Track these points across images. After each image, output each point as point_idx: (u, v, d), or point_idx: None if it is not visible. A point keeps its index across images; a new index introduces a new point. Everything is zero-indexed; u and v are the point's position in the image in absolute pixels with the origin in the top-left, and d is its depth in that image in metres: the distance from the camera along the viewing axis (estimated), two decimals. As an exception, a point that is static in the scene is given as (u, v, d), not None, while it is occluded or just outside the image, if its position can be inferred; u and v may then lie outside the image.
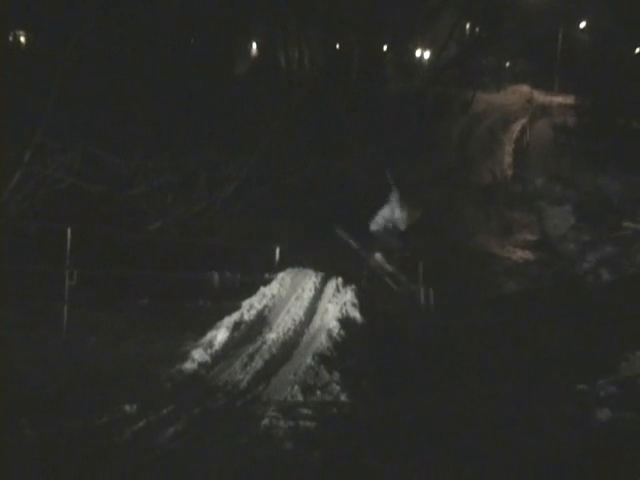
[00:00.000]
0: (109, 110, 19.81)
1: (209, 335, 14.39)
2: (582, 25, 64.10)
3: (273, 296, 16.03)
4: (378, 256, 22.49)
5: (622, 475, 9.84)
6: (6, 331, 13.80)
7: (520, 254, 27.63)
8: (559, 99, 57.53)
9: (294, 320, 15.00)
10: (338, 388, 11.97)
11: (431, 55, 59.97)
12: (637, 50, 51.54)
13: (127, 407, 10.97)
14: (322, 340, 13.89)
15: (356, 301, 15.55)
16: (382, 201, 28.75)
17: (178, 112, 23.74)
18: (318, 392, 11.87)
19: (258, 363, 13.20)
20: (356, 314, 15.10)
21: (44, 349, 13.34)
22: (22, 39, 30.12)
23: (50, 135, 17.38)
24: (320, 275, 16.84)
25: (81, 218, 16.08)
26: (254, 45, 48.48)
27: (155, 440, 10.15)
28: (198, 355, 13.34)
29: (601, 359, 15.53)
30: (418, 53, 62.06)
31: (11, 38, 28.92)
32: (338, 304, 15.48)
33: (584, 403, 13.16)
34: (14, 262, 15.17)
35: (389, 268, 21.21)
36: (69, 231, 15.13)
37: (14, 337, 13.60)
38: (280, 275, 16.82)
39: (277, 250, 17.63)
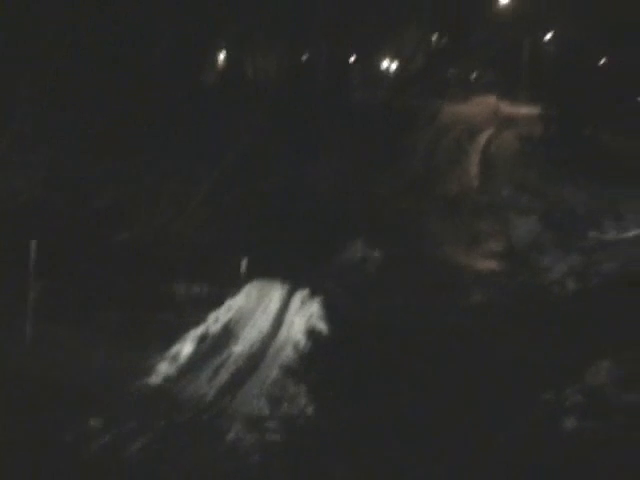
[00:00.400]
0: (75, 120, 19.67)
1: (175, 348, 14.31)
2: (548, 36, 64.55)
3: (239, 308, 15.95)
4: (345, 267, 22.44)
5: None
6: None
7: (486, 264, 27.66)
8: (525, 109, 57.76)
9: (260, 332, 14.95)
10: (305, 400, 11.95)
11: (398, 66, 60.11)
12: (602, 60, 51.93)
13: (92, 421, 10.89)
14: (288, 352, 13.87)
15: (322, 313, 15.52)
16: (349, 210, 28.75)
17: (147, 122, 23.61)
18: (285, 405, 11.85)
19: (224, 376, 13.15)
20: (322, 326, 15.07)
21: (7, 362, 13.22)
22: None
23: (14, 147, 17.28)
24: (287, 287, 16.79)
25: (47, 229, 15.96)
26: (221, 55, 48.39)
27: (120, 454, 10.09)
28: (164, 368, 13.27)
29: (567, 368, 15.58)
30: (385, 64, 62.21)
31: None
32: (304, 316, 15.44)
33: (550, 412, 13.21)
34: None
35: (356, 279, 21.16)
36: (34, 243, 15.03)
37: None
38: (246, 287, 16.77)
39: (244, 261, 17.55)
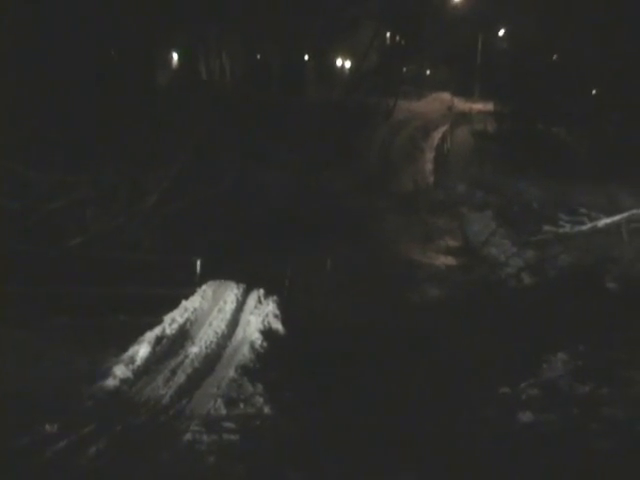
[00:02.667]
0: (26, 123, 19.49)
1: (131, 350, 14.24)
2: (501, 33, 65.02)
3: (195, 309, 15.94)
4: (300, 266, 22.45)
5: (544, 476, 9.98)
6: None
7: (442, 260, 27.81)
8: (479, 106, 58.25)
9: (216, 333, 14.95)
10: (261, 400, 11.96)
11: (352, 64, 60.25)
12: (554, 57, 52.37)
13: (47, 426, 10.81)
14: (245, 352, 13.89)
15: (278, 312, 15.57)
16: (304, 210, 28.78)
17: (97, 124, 23.44)
18: (241, 405, 11.84)
19: (181, 377, 13.13)
20: (278, 325, 15.12)
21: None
22: None
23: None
24: (242, 287, 16.81)
25: (-1, 234, 15.85)
26: (175, 55, 48.17)
27: (77, 459, 10.02)
28: (120, 371, 13.20)
29: (523, 362, 15.70)
30: (339, 62, 62.33)
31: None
32: (260, 316, 15.49)
33: (507, 406, 13.31)
34: None
35: (312, 278, 21.18)
36: (-16, 248, 14.95)
37: None
38: (202, 288, 16.75)
39: (198, 263, 17.52)
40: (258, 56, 49.13)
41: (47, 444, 10.34)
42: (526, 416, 12.62)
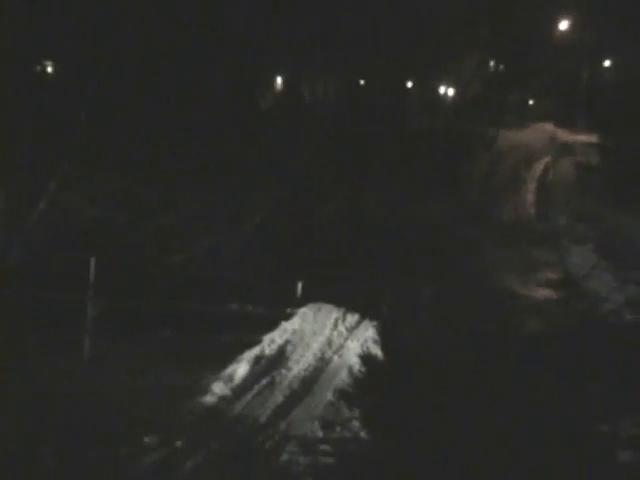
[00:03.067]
0: (136, 142, 19.93)
1: (230, 369, 14.37)
2: (607, 63, 64.13)
3: (294, 331, 15.97)
4: (401, 293, 22.37)
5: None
6: (28, 361, 13.88)
7: (542, 292, 27.47)
8: (583, 137, 57.45)
9: (315, 355, 14.96)
10: (358, 425, 11.94)
11: (455, 92, 60.10)
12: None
13: (147, 439, 10.98)
14: (343, 376, 13.86)
15: (377, 337, 15.49)
16: (406, 240, 28.74)
17: (204, 146, 23.86)
18: (338, 428, 11.83)
19: (278, 398, 13.18)
20: (377, 351, 15.05)
21: (65, 379, 13.40)
22: (49, 69, 30.40)
23: (76, 165, 17.56)
24: (342, 311, 16.80)
25: (105, 248, 16.16)
26: (279, 79, 48.68)
27: (174, 472, 10.16)
28: (218, 389, 13.34)
29: (622, 401, 15.42)
30: (442, 89, 62.22)
31: (39, 68, 29.25)
32: (359, 340, 15.44)
33: (606, 444, 13.09)
34: (37, 291, 15.27)
35: (411, 306, 21.11)
36: (92, 261, 15.24)
37: (36, 367, 13.67)
38: (302, 310, 16.79)
39: (299, 285, 17.60)
40: (362, 82, 49.31)
41: (146, 455, 10.51)
42: (626, 455, 12.40)
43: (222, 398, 13.09)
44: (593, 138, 54.25)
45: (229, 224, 21.55)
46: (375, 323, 16.18)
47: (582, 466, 12.28)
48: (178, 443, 10.98)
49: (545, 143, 56.53)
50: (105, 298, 15.50)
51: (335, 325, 16.15)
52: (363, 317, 16.57)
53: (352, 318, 16.41)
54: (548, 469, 11.73)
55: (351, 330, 15.97)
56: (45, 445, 10.19)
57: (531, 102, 67.19)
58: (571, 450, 12.86)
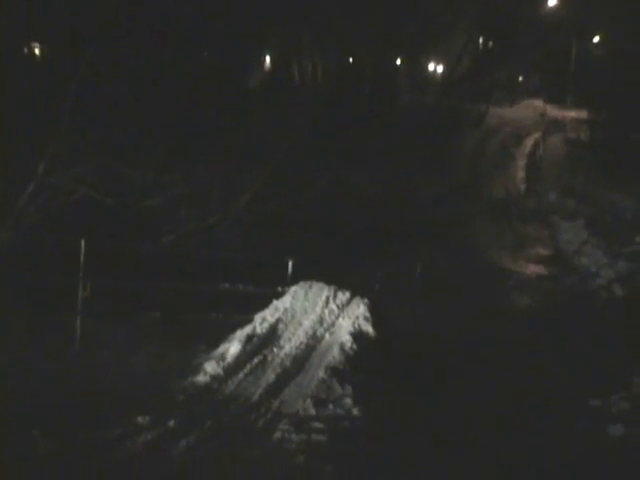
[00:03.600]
0: (123, 122, 19.82)
1: (221, 348, 14.39)
2: (596, 39, 64.06)
3: (286, 309, 15.95)
4: (391, 270, 22.38)
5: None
6: (19, 342, 13.85)
7: (533, 268, 27.56)
8: (572, 113, 57.49)
9: (306, 333, 14.95)
10: (350, 402, 11.96)
11: (444, 69, 59.99)
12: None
13: (139, 419, 11.00)
14: (334, 354, 13.86)
15: (368, 315, 15.49)
16: (395, 214, 28.75)
17: (191, 125, 23.75)
18: (330, 406, 11.86)
19: (270, 376, 13.20)
20: (369, 328, 15.04)
21: (57, 361, 13.39)
22: (37, 51, 30.23)
23: (64, 147, 17.46)
24: (333, 288, 16.78)
25: (95, 230, 16.11)
26: (267, 58, 48.50)
27: (167, 452, 10.18)
28: (210, 368, 13.35)
29: (613, 375, 15.48)
30: (431, 67, 62.10)
31: (26, 50, 29.07)
32: (350, 318, 15.43)
33: (597, 419, 13.15)
34: (27, 273, 15.25)
35: (402, 283, 21.12)
36: (83, 243, 15.20)
37: (27, 349, 13.65)
38: (293, 288, 16.76)
39: (290, 263, 17.58)
40: (351, 60, 49.18)
41: (138, 435, 10.53)
42: (617, 429, 12.47)
43: (214, 377, 13.11)
44: (583, 114, 54.28)
45: (218, 204, 21.49)
46: (366, 300, 16.18)
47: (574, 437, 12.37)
48: (171, 423, 11.00)
49: (535, 119, 56.55)
50: (95, 279, 15.47)
51: (326, 303, 16.13)
52: (354, 295, 16.57)
53: (343, 296, 16.40)
54: (538, 441, 11.78)
55: (342, 308, 15.96)
56: (36, 427, 10.18)
57: (520, 78, 67.11)
58: (563, 424, 12.92)
